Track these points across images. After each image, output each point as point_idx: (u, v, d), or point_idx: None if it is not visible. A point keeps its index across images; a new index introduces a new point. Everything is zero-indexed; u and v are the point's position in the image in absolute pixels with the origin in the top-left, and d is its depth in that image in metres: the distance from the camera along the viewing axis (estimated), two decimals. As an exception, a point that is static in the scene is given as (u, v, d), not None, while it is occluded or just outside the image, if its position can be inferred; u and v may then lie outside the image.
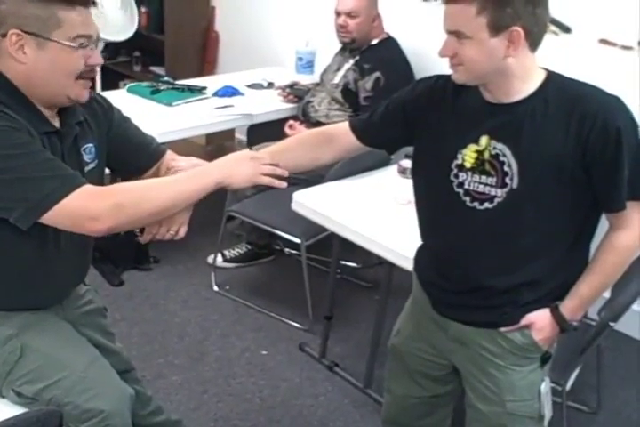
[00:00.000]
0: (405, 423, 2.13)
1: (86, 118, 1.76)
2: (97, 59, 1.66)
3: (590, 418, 2.74)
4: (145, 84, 3.87)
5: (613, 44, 2.97)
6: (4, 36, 1.56)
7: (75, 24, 1.58)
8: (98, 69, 1.71)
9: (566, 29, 3.07)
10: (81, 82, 1.65)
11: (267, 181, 1.70)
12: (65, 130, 1.69)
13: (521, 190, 1.61)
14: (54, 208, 1.51)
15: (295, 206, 2.74)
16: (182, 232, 1.76)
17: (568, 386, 2.27)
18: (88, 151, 1.76)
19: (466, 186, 1.68)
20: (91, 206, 1.53)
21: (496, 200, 1.64)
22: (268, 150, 1.90)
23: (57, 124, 1.69)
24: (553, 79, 1.62)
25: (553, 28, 3.00)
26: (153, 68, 5.07)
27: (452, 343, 1.85)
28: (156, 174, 1.91)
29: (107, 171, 1.91)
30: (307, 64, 4.19)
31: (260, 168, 1.70)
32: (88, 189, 1.56)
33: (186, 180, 1.66)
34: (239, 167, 1.69)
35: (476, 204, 1.67)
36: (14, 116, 1.55)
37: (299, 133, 2.11)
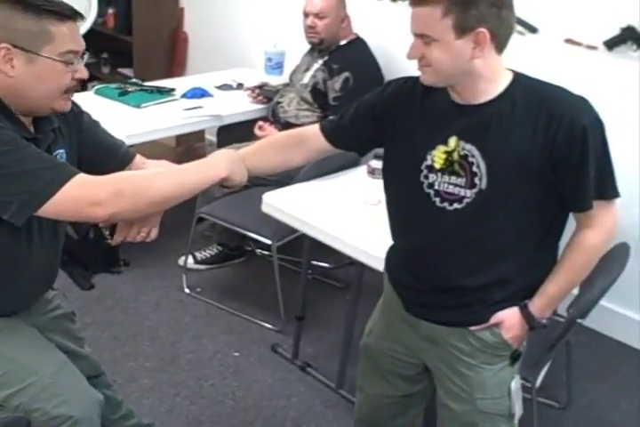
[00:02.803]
0: (378, 423, 2.13)
1: (59, 125, 1.75)
2: (84, 73, 1.66)
3: (561, 414, 2.77)
4: (113, 85, 3.85)
5: (579, 44, 3.00)
6: None
7: (65, 39, 1.58)
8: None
9: (532, 29, 3.11)
10: (66, 95, 1.66)
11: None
12: (41, 137, 1.68)
13: (489, 191, 1.62)
14: (53, 198, 1.50)
15: (265, 208, 2.74)
16: (153, 234, 1.76)
17: (538, 382, 2.30)
18: (59, 157, 1.75)
19: (436, 187, 1.69)
20: (90, 193, 1.52)
21: (465, 201, 1.65)
22: (240, 152, 1.90)
23: (32, 130, 1.68)
24: (519, 80, 1.63)
25: (519, 27, 3.03)
26: (121, 70, 5.03)
27: (423, 342, 1.86)
28: None
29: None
30: (276, 65, 4.19)
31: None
32: (85, 177, 1.54)
33: (190, 171, 1.66)
34: (239, 165, 1.74)
35: (445, 204, 1.68)
36: None
37: (270, 136, 2.12)
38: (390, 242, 1.92)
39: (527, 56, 2.57)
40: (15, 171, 1.50)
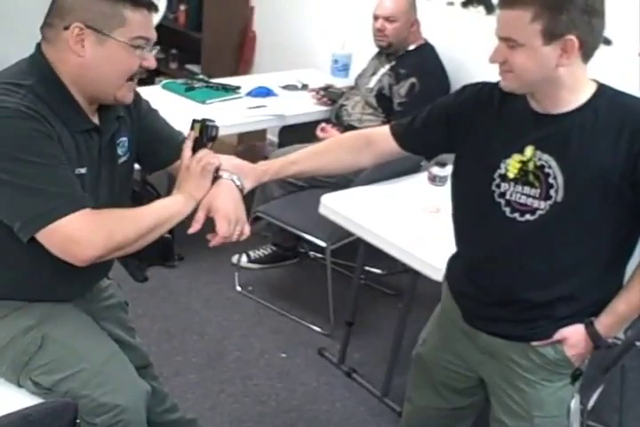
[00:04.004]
0: (425, 435, 2.09)
1: (123, 113, 1.78)
2: (152, 62, 1.67)
3: (611, 439, 2.69)
4: (180, 81, 3.89)
5: (655, 58, 2.92)
6: (67, 28, 1.56)
7: (137, 25, 1.60)
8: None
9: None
10: (130, 83, 1.67)
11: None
12: (105, 126, 1.71)
13: (565, 203, 1.57)
14: (50, 226, 1.52)
15: (322, 210, 2.73)
16: (247, 231, 1.80)
17: (590, 405, 2.23)
18: (122, 145, 1.78)
19: (507, 196, 1.64)
20: (84, 233, 1.55)
21: (538, 212, 1.60)
22: (309, 151, 1.91)
23: (97, 119, 1.70)
24: (604, 92, 1.58)
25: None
26: (189, 66, 5.08)
27: (481, 355, 1.82)
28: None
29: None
30: (342, 67, 4.18)
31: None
32: (87, 213, 1.56)
33: (162, 207, 1.71)
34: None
35: (516, 215, 1.63)
36: (50, 121, 1.56)
37: (338, 136, 2.11)
38: (447, 250, 1.88)
39: (600, 69, 2.50)
40: (31, 186, 1.52)
